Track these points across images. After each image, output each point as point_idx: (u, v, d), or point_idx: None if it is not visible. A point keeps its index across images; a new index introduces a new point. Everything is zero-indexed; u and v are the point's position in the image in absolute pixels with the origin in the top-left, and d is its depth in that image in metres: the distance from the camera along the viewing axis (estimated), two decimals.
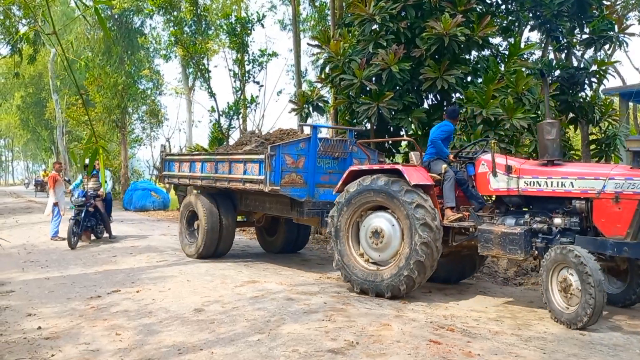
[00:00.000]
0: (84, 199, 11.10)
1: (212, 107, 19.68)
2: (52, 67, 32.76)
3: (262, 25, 19.69)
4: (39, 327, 5.31)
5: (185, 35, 20.11)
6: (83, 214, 10.98)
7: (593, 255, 5.36)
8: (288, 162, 8.07)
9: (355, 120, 10.49)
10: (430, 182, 6.68)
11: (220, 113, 19.43)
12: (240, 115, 20.22)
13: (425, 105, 10.48)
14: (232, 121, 19.56)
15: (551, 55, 13.10)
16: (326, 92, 13.77)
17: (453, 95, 9.87)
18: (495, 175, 6.37)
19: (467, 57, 9.99)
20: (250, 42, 19.15)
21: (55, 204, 12.21)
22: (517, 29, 11.56)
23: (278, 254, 10.48)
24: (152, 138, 35.51)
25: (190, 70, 28.09)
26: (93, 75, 24.84)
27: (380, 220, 6.81)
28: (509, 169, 6.29)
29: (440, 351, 4.56)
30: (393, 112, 9.43)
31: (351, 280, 6.97)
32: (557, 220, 5.98)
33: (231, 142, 16.08)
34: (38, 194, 34.69)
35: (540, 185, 6.08)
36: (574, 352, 4.66)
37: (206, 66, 21.12)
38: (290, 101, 12.03)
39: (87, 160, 9.63)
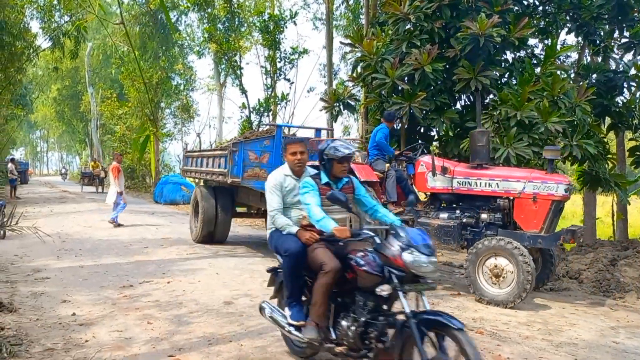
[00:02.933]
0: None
1: (243, 103, 19.89)
2: (88, 61, 33.53)
3: (295, 23, 19.82)
4: (74, 314, 5.45)
5: (218, 32, 20.39)
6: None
7: None
8: (251, 157, 8.70)
9: None
10: (376, 179, 7.30)
11: (251, 109, 19.62)
12: (271, 112, 20.37)
13: (458, 106, 10.39)
14: (262, 118, 19.75)
15: (588, 59, 12.82)
16: (357, 91, 13.77)
17: (487, 96, 9.74)
18: (433, 175, 7.11)
19: (502, 58, 9.86)
20: (282, 39, 19.30)
21: (120, 193, 13.11)
22: (554, 31, 11.35)
23: None
24: (184, 133, 35.95)
25: (223, 66, 28.39)
26: (128, 69, 25.31)
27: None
28: (444, 170, 7.08)
29: None
30: (425, 112, 9.38)
31: None
32: (484, 216, 6.85)
33: None
34: (85, 187, 28.40)
35: (470, 185, 6.90)
36: (606, 359, 4.58)
37: (238, 63, 21.34)
38: (321, 99, 12.06)
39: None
